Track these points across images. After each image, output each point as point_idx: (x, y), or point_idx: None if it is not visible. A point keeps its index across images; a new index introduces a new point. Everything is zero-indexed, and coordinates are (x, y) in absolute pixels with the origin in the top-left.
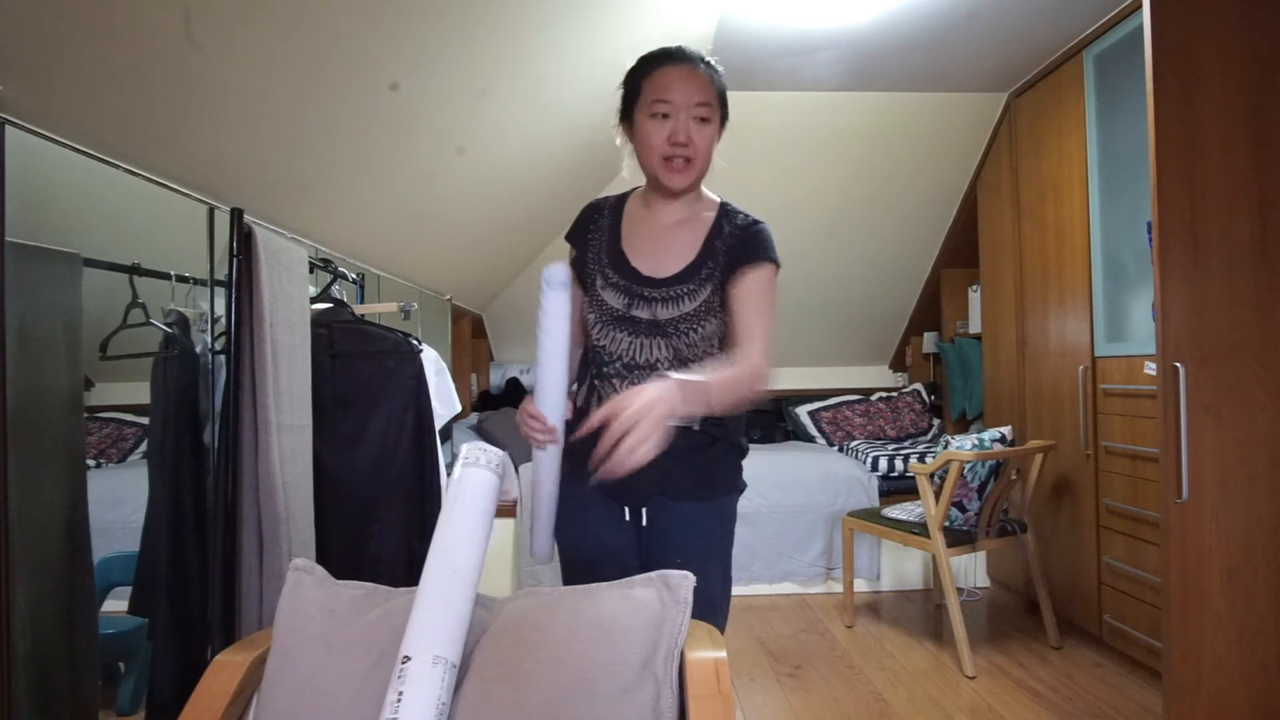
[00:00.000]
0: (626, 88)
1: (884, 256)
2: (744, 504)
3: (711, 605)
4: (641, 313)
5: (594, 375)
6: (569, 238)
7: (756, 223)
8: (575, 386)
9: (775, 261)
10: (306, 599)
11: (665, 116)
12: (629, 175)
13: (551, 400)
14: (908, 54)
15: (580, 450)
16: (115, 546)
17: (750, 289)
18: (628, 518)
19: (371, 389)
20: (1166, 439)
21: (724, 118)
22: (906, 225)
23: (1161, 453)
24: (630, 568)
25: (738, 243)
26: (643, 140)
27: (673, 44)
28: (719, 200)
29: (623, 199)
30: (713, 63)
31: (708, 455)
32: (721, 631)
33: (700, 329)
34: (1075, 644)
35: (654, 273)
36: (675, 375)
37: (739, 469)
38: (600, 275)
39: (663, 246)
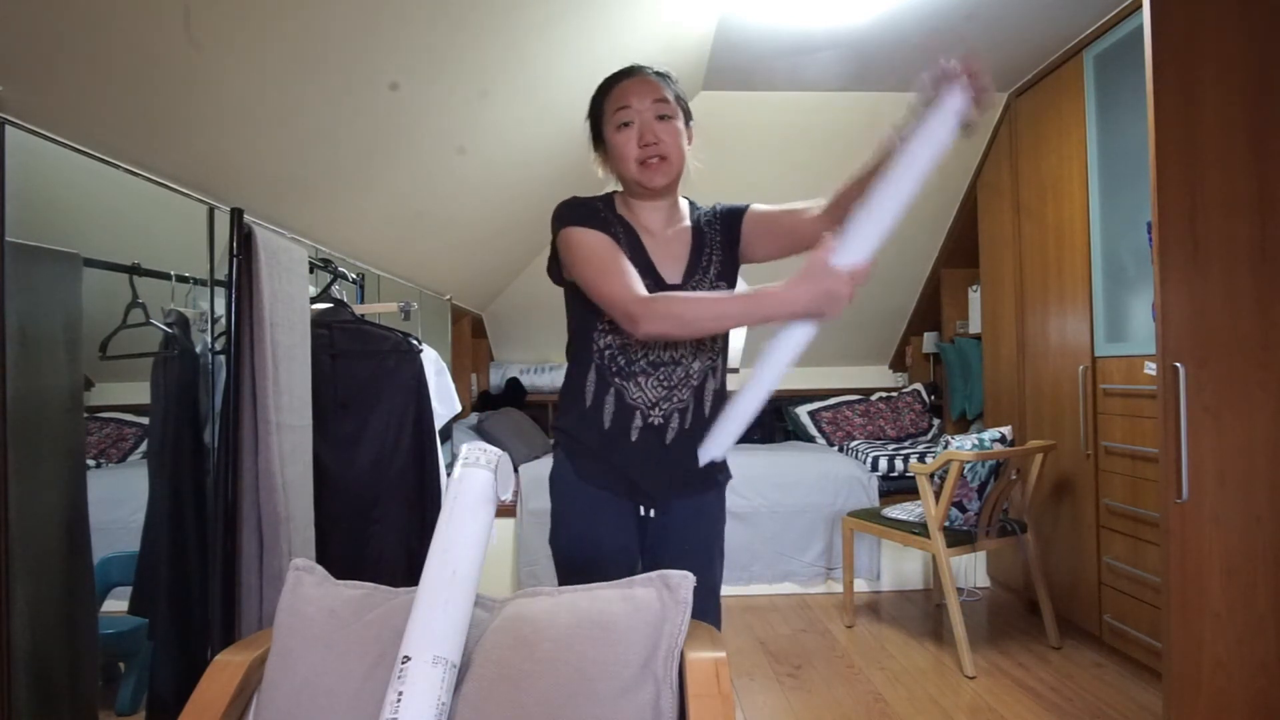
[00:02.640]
0: (591, 116)
1: (884, 256)
2: (744, 504)
3: (717, 593)
4: None
5: (615, 374)
6: (579, 222)
7: (715, 206)
8: (584, 381)
9: None
10: (306, 599)
11: (629, 124)
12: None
13: (866, 251)
14: (908, 54)
15: (589, 449)
16: (115, 546)
17: (763, 213)
18: (641, 514)
19: (371, 389)
20: (1166, 439)
21: (687, 119)
22: (906, 225)
23: (1161, 453)
24: (633, 568)
25: (723, 217)
26: (616, 152)
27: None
28: (684, 200)
29: (610, 201)
30: (664, 71)
31: None
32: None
33: None
34: (1075, 644)
35: (670, 278)
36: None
37: None
38: None
39: (668, 253)
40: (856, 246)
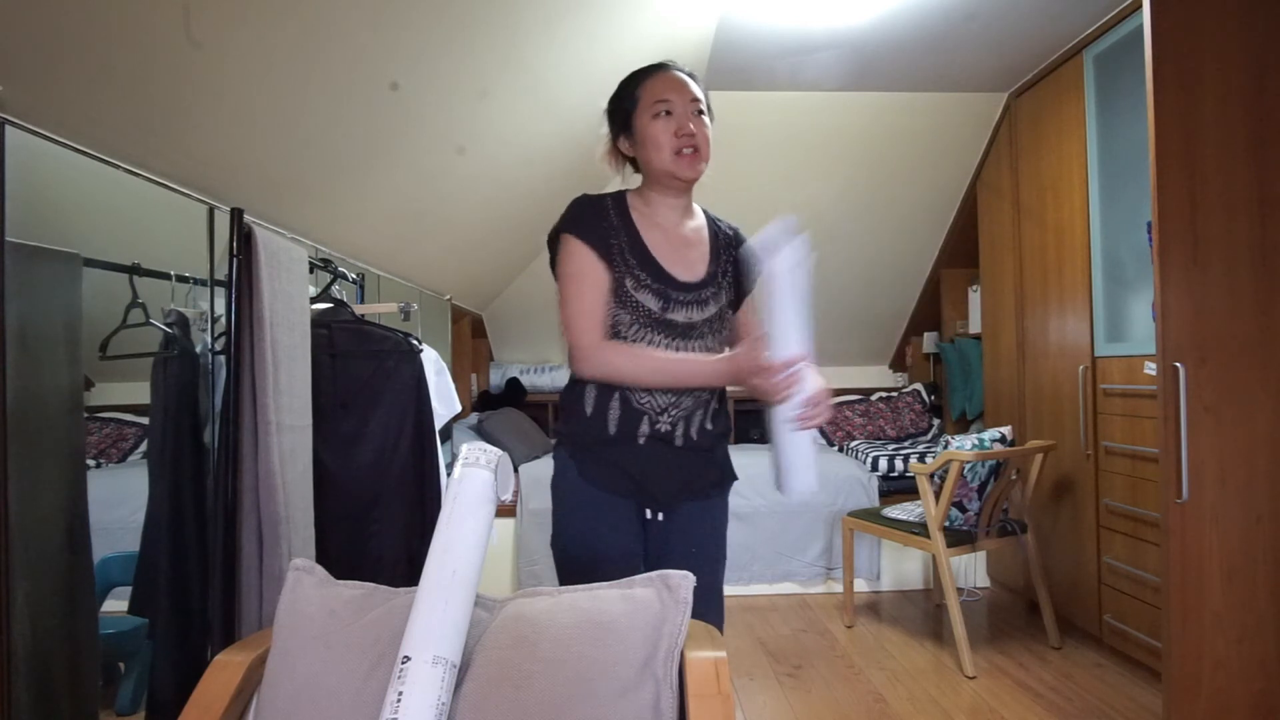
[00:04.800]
0: (621, 103)
1: (884, 256)
2: (744, 504)
3: (720, 593)
4: (677, 316)
5: None
6: (583, 234)
7: (738, 230)
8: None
9: None
10: (306, 599)
11: (669, 114)
12: (624, 183)
13: (790, 347)
14: (908, 54)
15: (593, 452)
16: (115, 546)
17: (749, 304)
18: (649, 517)
19: (371, 389)
20: (1166, 439)
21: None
22: (906, 225)
23: (1161, 453)
24: (636, 572)
25: (743, 255)
26: (651, 140)
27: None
28: (698, 206)
29: (621, 200)
30: (693, 74)
31: (722, 448)
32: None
33: (723, 330)
34: (1075, 644)
35: (684, 277)
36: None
37: None
38: (630, 277)
39: (683, 253)
40: (779, 344)
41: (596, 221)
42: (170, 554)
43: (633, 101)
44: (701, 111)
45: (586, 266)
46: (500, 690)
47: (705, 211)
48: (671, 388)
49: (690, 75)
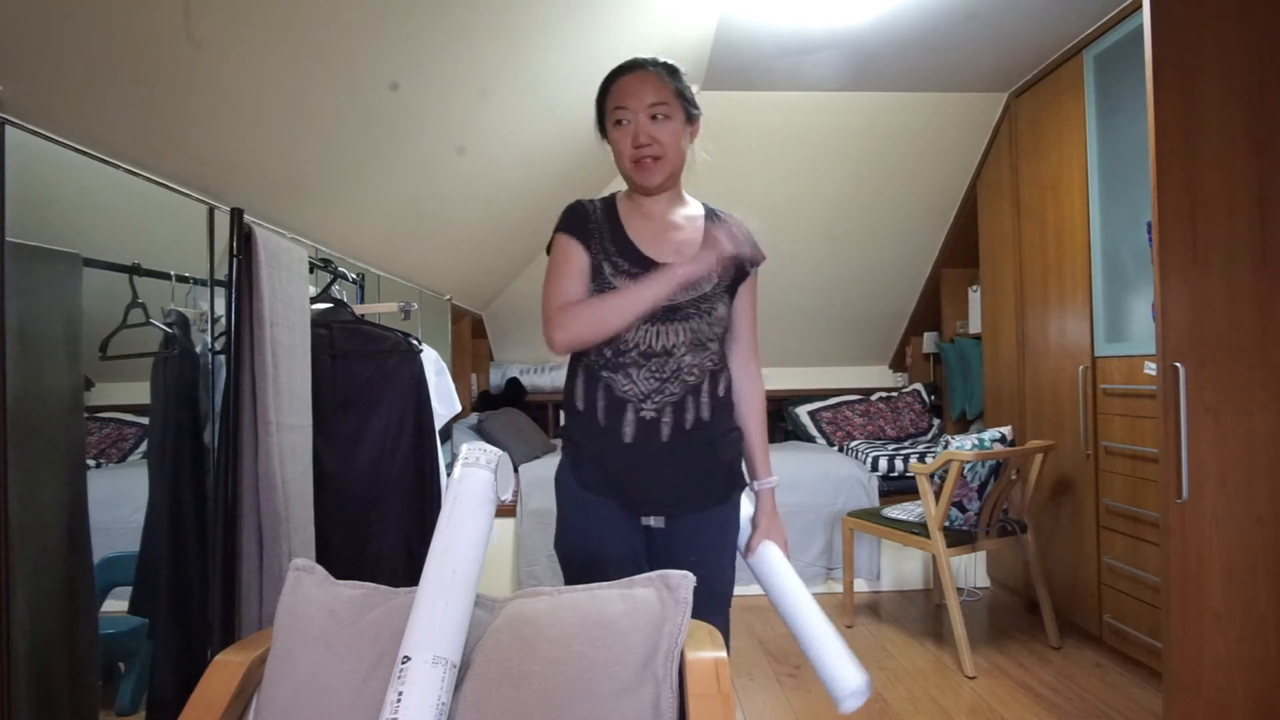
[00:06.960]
0: (597, 109)
1: (884, 256)
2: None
3: (726, 601)
4: None
5: (602, 367)
6: (569, 230)
7: (742, 221)
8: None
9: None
10: (306, 599)
11: (625, 123)
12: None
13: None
14: (908, 54)
15: (589, 456)
16: (115, 546)
17: (751, 296)
18: (642, 524)
19: (371, 389)
20: (1166, 439)
21: (691, 114)
22: (906, 225)
23: (1161, 453)
24: (636, 573)
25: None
26: (614, 149)
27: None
28: (700, 202)
29: (611, 200)
30: (669, 63)
31: (728, 456)
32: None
33: (716, 311)
34: (1075, 644)
35: (666, 259)
36: (765, 504)
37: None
38: (609, 264)
39: (668, 236)
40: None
41: (581, 219)
42: (170, 554)
43: (600, 110)
44: (660, 115)
45: (563, 254)
46: (500, 690)
47: (706, 205)
48: (634, 317)
49: (663, 68)
